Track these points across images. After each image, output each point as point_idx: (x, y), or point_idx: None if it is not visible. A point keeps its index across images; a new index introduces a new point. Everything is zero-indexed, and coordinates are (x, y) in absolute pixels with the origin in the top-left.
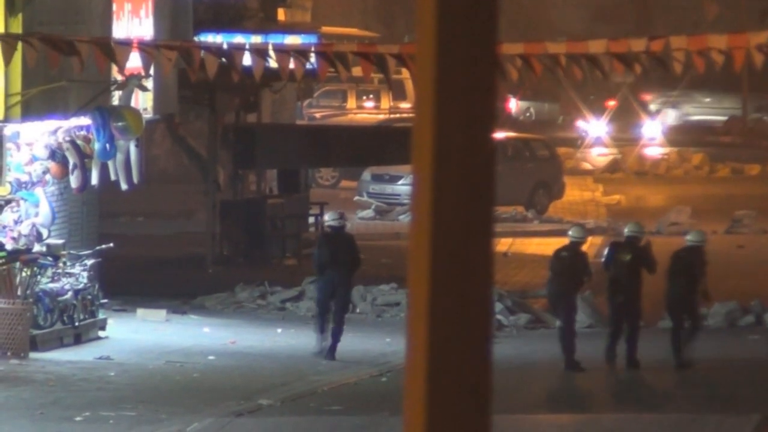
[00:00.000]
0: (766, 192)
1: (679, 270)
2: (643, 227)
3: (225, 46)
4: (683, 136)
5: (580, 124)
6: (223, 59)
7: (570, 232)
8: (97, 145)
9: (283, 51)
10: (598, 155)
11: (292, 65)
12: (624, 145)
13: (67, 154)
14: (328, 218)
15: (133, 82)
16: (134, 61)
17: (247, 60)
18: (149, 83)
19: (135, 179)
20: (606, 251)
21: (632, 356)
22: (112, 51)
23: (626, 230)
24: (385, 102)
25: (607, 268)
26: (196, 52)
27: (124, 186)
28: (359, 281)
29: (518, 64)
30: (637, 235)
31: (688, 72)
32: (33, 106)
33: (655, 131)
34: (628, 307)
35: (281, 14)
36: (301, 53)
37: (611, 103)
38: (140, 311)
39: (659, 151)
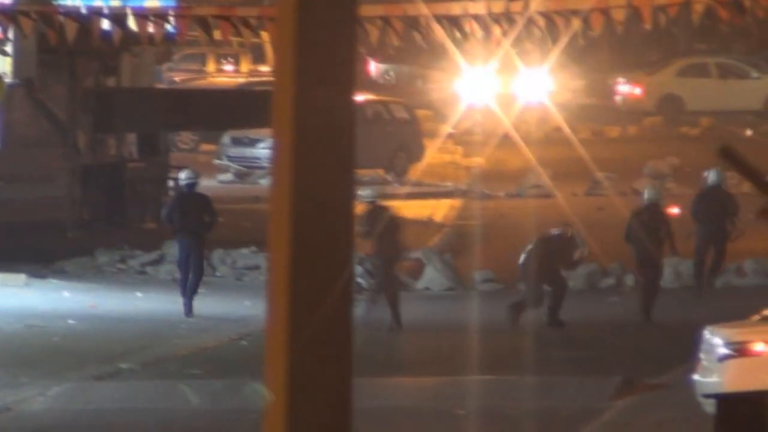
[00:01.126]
0: (625, 154)
1: (645, 231)
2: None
3: (84, 11)
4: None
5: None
6: (81, 23)
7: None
8: None
9: (142, 15)
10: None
11: (151, 29)
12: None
13: None
14: (184, 176)
15: None
16: None
17: (106, 24)
18: (8, 47)
19: None
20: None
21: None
22: None
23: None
24: (245, 65)
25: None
26: (56, 17)
27: None
28: (219, 245)
29: (379, 25)
30: (657, 202)
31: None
32: None
33: (537, 94)
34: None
35: None
36: (160, 17)
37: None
38: (0, 275)
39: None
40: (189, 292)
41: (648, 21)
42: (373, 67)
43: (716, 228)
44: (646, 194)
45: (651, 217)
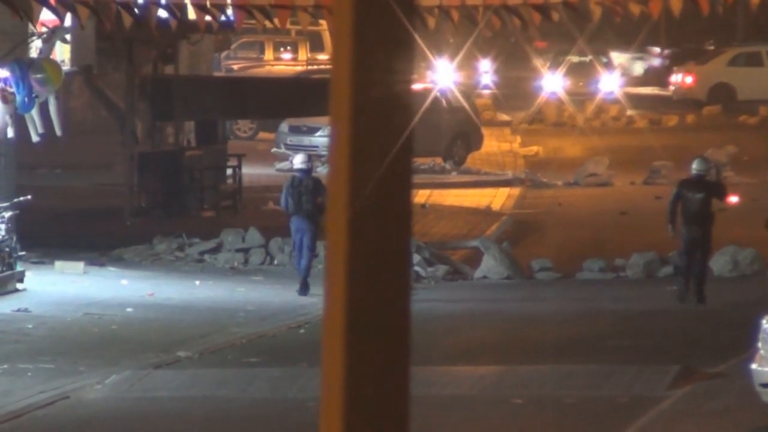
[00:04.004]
0: (683, 143)
1: None
2: (710, 162)
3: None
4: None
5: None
6: (136, 10)
7: (693, 165)
8: (17, 98)
9: (200, 6)
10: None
11: (208, 17)
12: (582, 99)
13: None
14: (298, 161)
15: (58, 34)
16: (49, 13)
17: (163, 12)
18: (67, 35)
19: (57, 131)
20: (675, 190)
21: (701, 292)
22: (27, 3)
23: (694, 167)
24: (303, 53)
25: (675, 206)
26: (112, 5)
27: (35, 138)
28: (277, 233)
29: (435, 15)
30: (705, 172)
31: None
32: None
33: (612, 85)
34: (702, 243)
35: None
36: (216, 6)
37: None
38: (58, 263)
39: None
40: (303, 272)
41: (705, 9)
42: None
43: None
44: None
45: None
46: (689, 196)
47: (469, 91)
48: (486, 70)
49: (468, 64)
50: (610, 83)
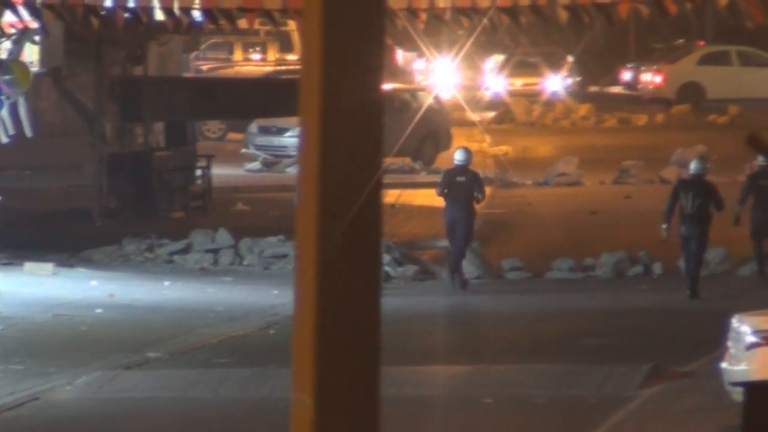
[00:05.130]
0: (652, 142)
1: (763, 197)
2: (708, 162)
3: (109, 3)
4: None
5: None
6: (103, 12)
7: (691, 166)
8: None
9: (168, 9)
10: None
11: (177, 14)
12: (531, 99)
13: None
14: (457, 156)
15: (27, 35)
16: (18, 16)
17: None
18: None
19: (27, 132)
20: (672, 189)
21: (694, 287)
22: None
23: (692, 168)
24: (272, 54)
25: (672, 205)
26: (79, 9)
27: (4, 139)
28: (247, 234)
29: (404, 16)
30: (703, 172)
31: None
32: None
33: (558, 85)
34: (698, 241)
35: None
36: (184, 10)
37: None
38: (27, 265)
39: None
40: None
41: (672, 9)
42: (401, 56)
43: None
44: (761, 160)
45: None
46: (686, 196)
47: (475, 93)
48: (490, 71)
49: (473, 66)
50: (555, 83)
